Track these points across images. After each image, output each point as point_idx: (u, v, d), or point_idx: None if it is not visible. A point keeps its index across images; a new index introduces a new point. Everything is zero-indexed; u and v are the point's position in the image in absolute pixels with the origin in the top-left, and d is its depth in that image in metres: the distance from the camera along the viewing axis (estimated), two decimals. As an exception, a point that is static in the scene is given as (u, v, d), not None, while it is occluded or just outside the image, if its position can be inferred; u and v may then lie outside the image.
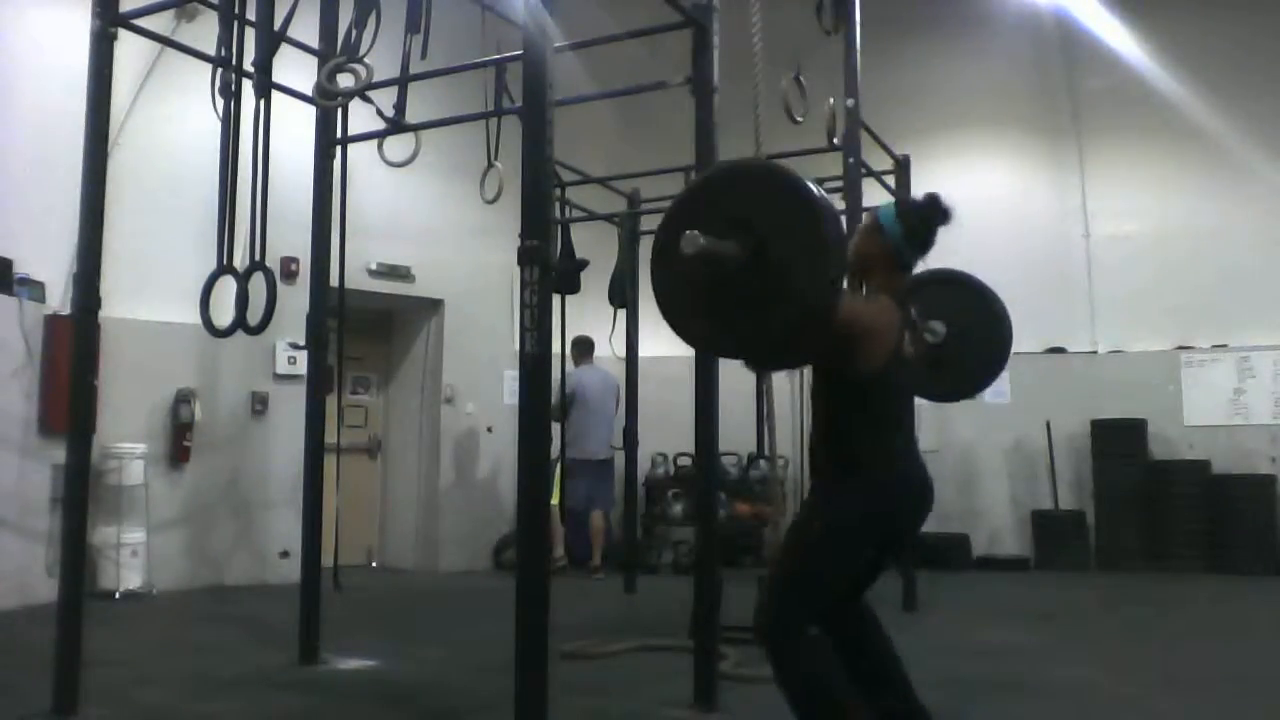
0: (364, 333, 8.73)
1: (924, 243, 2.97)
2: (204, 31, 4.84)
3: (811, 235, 2.52)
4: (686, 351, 4.17)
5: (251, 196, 4.19)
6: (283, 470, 7.19)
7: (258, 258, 4.19)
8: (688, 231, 2.49)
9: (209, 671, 4.59)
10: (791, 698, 2.78)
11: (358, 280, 7.44)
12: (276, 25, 4.13)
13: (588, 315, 7.83)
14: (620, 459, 8.03)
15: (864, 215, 4.95)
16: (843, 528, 2.87)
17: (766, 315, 2.56)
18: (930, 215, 2.96)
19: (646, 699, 4.10)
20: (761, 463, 8.58)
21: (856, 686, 2.84)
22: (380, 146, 4.79)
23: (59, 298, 6.53)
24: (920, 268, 3.09)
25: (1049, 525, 8.85)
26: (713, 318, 2.69)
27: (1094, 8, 8.90)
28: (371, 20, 4.07)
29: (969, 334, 3.89)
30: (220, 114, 4.20)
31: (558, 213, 6.47)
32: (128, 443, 6.76)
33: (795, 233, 2.53)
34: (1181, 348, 8.91)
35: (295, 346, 7.10)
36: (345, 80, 4.00)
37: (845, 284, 2.76)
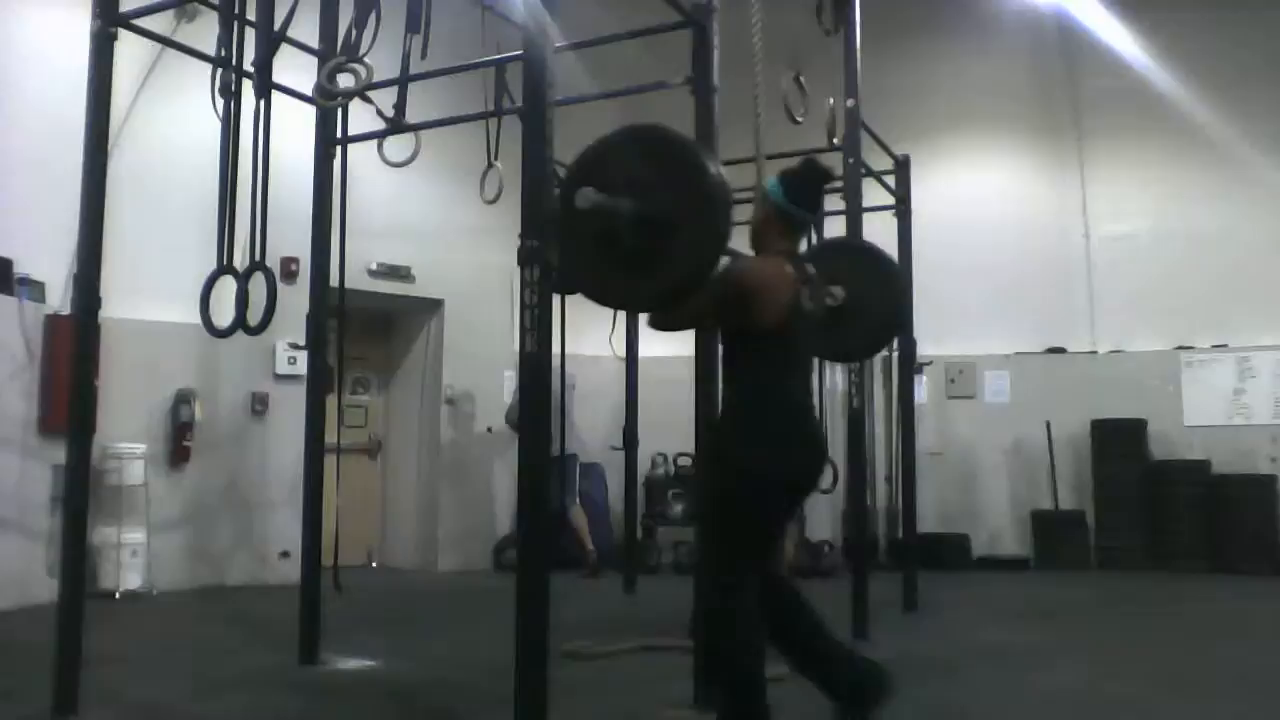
0: (364, 333, 8.73)
1: (808, 202, 3.28)
2: (204, 31, 4.84)
3: (700, 200, 2.70)
4: (687, 351, 4.18)
5: (251, 196, 4.19)
6: (283, 470, 7.19)
7: (258, 258, 4.19)
8: (582, 188, 2.66)
9: (209, 671, 4.59)
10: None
11: (358, 280, 7.44)
12: (276, 25, 4.13)
13: (588, 315, 7.82)
14: (619, 458, 8.02)
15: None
16: (751, 487, 3.08)
17: (652, 273, 2.73)
18: (808, 175, 3.26)
19: (646, 699, 4.10)
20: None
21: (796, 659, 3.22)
22: (380, 146, 4.79)
23: (59, 298, 6.53)
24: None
25: (1049, 525, 8.85)
26: (602, 271, 2.86)
27: (1094, 8, 8.90)
28: (371, 20, 4.07)
29: (866, 298, 4.10)
30: (220, 114, 4.20)
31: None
32: (128, 443, 6.76)
33: (686, 197, 2.70)
34: (1181, 348, 8.91)
35: (295, 346, 7.10)
36: (345, 80, 4.00)
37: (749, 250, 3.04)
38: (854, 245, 4.31)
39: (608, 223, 2.70)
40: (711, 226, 2.73)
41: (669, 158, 2.77)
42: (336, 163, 4.84)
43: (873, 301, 4.08)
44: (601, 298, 3.00)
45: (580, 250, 2.84)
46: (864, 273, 4.13)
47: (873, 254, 4.26)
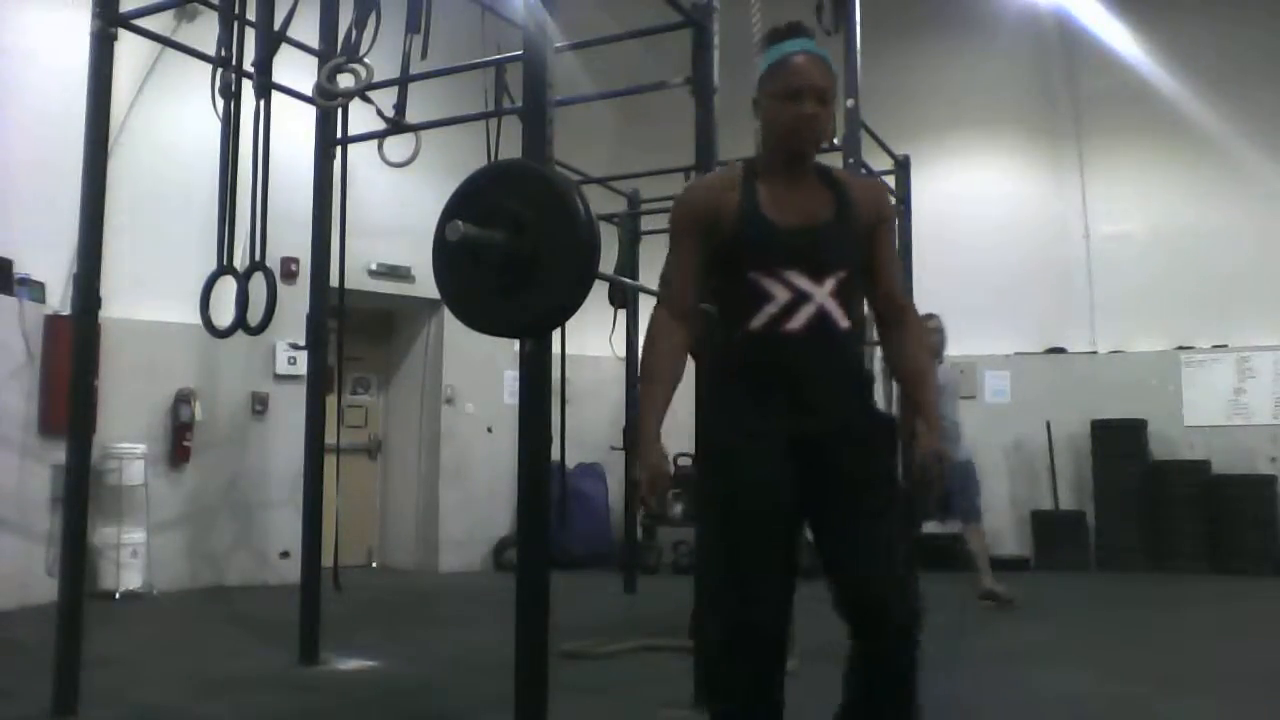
0: (364, 333, 8.73)
1: None
2: (204, 31, 4.84)
3: (568, 236, 2.75)
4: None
5: (251, 196, 4.20)
6: (283, 470, 7.19)
7: (258, 258, 4.20)
8: (453, 220, 2.71)
9: (209, 671, 4.59)
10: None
11: (358, 280, 7.44)
12: (276, 25, 4.13)
13: (588, 315, 7.82)
14: (619, 458, 8.03)
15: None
16: None
17: (518, 301, 2.82)
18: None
19: (646, 699, 4.10)
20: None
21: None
22: (380, 146, 4.79)
23: (59, 298, 6.54)
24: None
25: (1049, 525, 8.84)
26: (471, 298, 2.92)
27: (1094, 8, 8.90)
28: (371, 20, 4.07)
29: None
30: (220, 114, 4.21)
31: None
32: (128, 443, 6.76)
33: (554, 230, 2.76)
34: (1181, 348, 8.90)
35: (295, 346, 7.09)
36: (345, 80, 4.01)
37: None
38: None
39: (479, 252, 2.78)
40: (576, 268, 2.80)
41: (545, 197, 2.82)
42: (336, 163, 4.84)
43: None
44: (466, 319, 3.03)
45: (453, 273, 2.91)
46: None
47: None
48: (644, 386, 2.37)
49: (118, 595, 6.56)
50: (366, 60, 4.00)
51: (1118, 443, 8.68)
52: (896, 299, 2.39)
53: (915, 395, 2.34)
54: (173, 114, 6.83)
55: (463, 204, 2.84)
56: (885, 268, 2.39)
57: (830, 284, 2.24)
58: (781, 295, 2.23)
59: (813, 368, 2.25)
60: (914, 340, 2.38)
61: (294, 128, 4.72)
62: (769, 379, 2.25)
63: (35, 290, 6.49)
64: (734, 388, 2.31)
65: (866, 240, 2.34)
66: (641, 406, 2.38)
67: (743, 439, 2.26)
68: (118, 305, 5.55)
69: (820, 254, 2.25)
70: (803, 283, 2.23)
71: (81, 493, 3.89)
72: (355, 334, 7.98)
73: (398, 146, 4.76)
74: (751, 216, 2.26)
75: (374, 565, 8.81)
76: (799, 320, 2.23)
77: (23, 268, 6.42)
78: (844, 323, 2.26)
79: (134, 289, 6.56)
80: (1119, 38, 8.87)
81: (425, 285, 8.66)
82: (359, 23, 4.06)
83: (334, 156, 4.86)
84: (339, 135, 4.85)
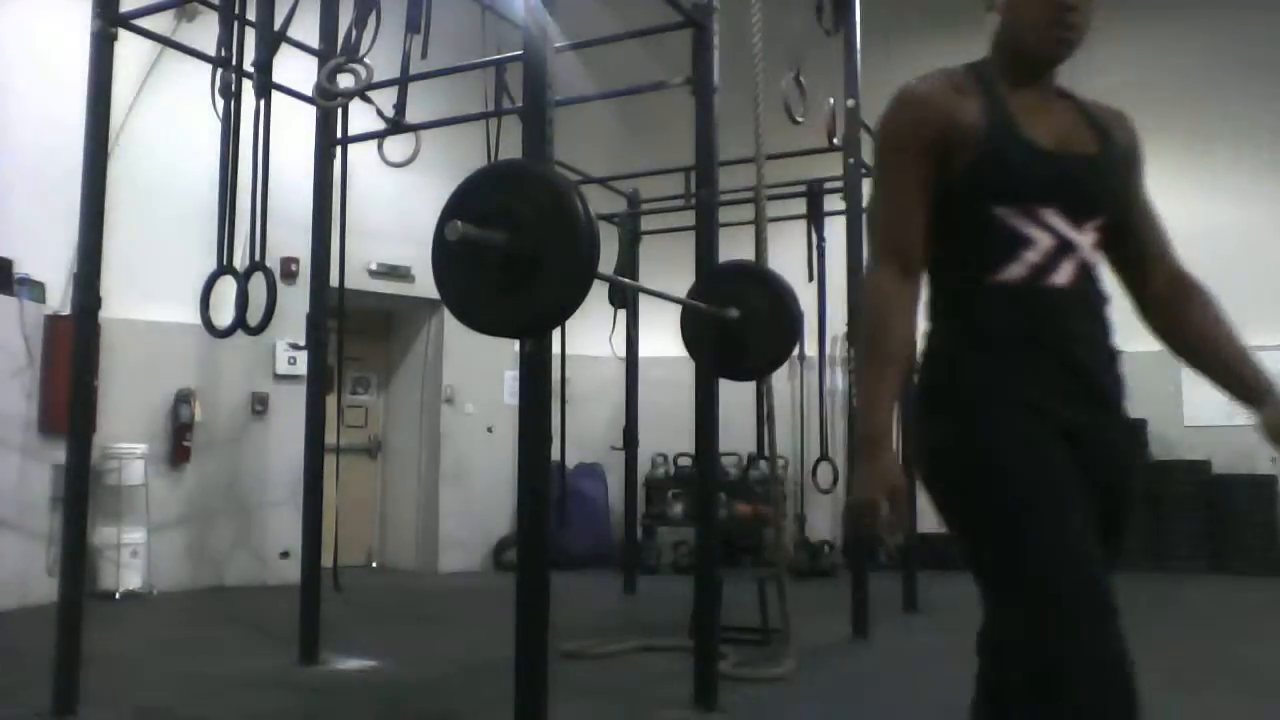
0: (364, 333, 8.73)
1: None
2: (204, 31, 4.84)
3: (569, 236, 2.75)
4: (686, 351, 4.19)
5: (251, 196, 4.20)
6: (283, 470, 7.19)
7: (258, 258, 4.20)
8: (452, 220, 2.71)
9: (209, 671, 4.59)
10: None
11: (358, 280, 7.44)
12: (276, 25, 4.13)
13: (588, 315, 7.82)
14: (619, 458, 8.02)
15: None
16: None
17: (518, 301, 2.81)
18: None
19: (646, 699, 4.11)
20: (761, 463, 8.57)
21: None
22: (380, 146, 4.79)
23: (59, 298, 6.54)
24: None
25: (1049, 525, 8.84)
26: (471, 298, 2.92)
27: (1093, 7, 8.88)
28: (371, 20, 4.07)
29: (761, 318, 4.20)
30: (220, 114, 4.20)
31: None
32: (128, 443, 6.76)
33: (554, 230, 2.77)
34: (1182, 348, 8.90)
35: (295, 346, 7.11)
36: (345, 80, 4.00)
37: None
38: (749, 269, 4.45)
39: (478, 252, 2.79)
40: (576, 268, 2.80)
41: (545, 197, 2.84)
42: (336, 163, 4.85)
43: (768, 322, 4.20)
44: (466, 319, 3.04)
45: (453, 273, 2.92)
46: (757, 294, 4.23)
47: (766, 277, 4.35)
48: (871, 370, 1.70)
49: (118, 595, 6.56)
50: (366, 60, 3.99)
51: (1118, 443, 8.68)
52: (1175, 262, 1.90)
53: (1251, 376, 1.90)
54: (173, 114, 6.83)
55: (463, 204, 2.85)
56: (1155, 223, 1.90)
57: (1091, 233, 1.73)
58: (1043, 240, 1.68)
59: (1089, 340, 1.74)
60: (1221, 312, 1.88)
61: (294, 128, 4.72)
62: (1032, 350, 1.68)
63: (35, 290, 6.49)
64: (983, 359, 1.70)
65: (1124, 185, 1.81)
66: (868, 396, 1.71)
67: (1030, 422, 1.65)
68: (118, 305, 5.56)
69: (1087, 192, 1.72)
70: (1063, 227, 1.69)
71: (81, 493, 3.89)
72: (355, 334, 7.98)
73: (398, 146, 4.76)
74: (1006, 132, 1.69)
75: (374, 565, 8.81)
76: (1064, 275, 1.69)
77: (23, 268, 6.42)
78: (1104, 287, 1.78)
79: (134, 289, 6.57)
80: (1119, 37, 8.86)
81: (425, 285, 8.66)
82: (359, 23, 4.06)
83: (334, 156, 4.86)
84: (339, 135, 4.85)
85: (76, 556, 3.84)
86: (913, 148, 1.70)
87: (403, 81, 4.53)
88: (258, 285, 4.10)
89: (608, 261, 7.51)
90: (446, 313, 8.74)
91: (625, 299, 7.41)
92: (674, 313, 4.38)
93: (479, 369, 8.80)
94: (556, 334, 3.60)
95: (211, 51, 4.21)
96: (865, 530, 1.67)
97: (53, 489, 6.11)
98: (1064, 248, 1.69)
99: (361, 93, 4.13)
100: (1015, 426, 1.64)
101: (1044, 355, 1.68)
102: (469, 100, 5.37)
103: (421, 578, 8.34)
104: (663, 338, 6.15)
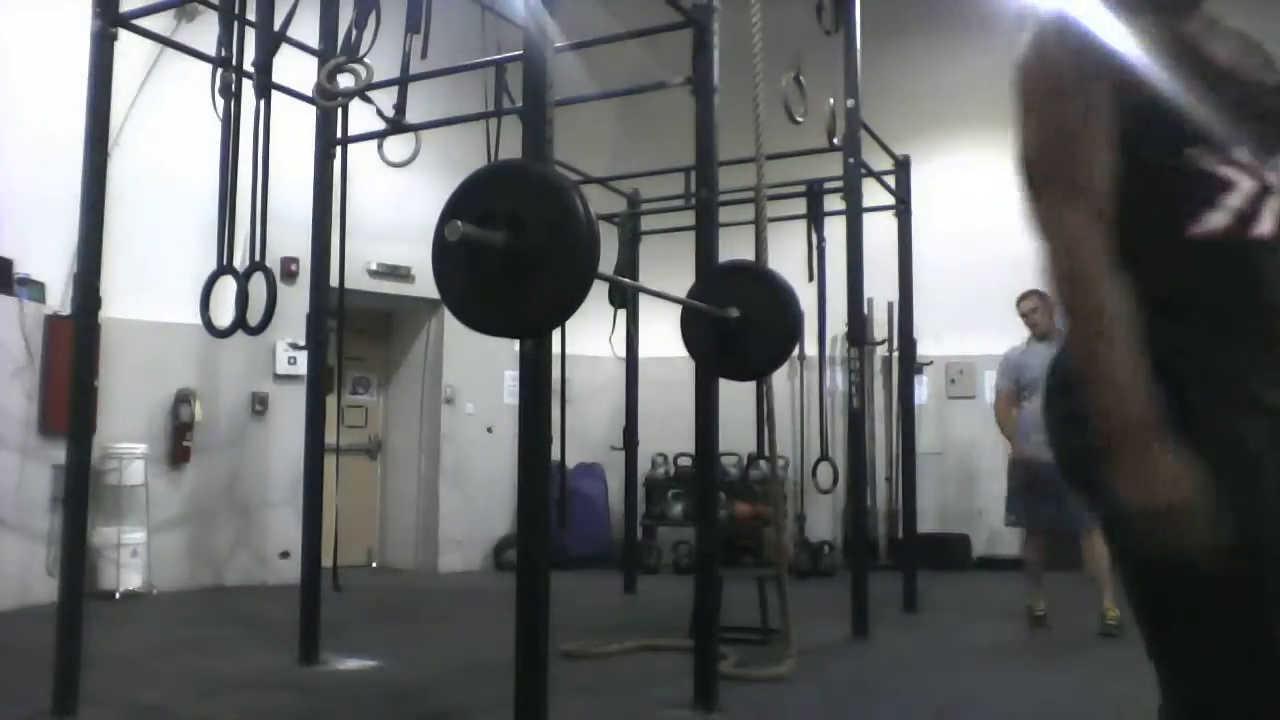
0: (364, 333, 8.73)
1: None
2: (204, 31, 4.84)
3: (569, 235, 2.74)
4: (686, 351, 4.19)
5: (251, 196, 4.20)
6: (283, 470, 7.19)
7: (258, 258, 4.20)
8: (452, 220, 2.70)
9: (209, 671, 4.59)
10: None
11: (358, 280, 7.44)
12: (276, 25, 4.13)
13: (588, 315, 7.82)
14: (619, 458, 8.02)
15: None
16: None
17: (518, 301, 2.80)
18: None
19: (646, 699, 4.11)
20: (761, 463, 8.57)
21: None
22: (380, 146, 4.79)
23: (59, 298, 6.53)
24: None
25: (1049, 525, 8.83)
26: (471, 298, 2.91)
27: (1094, 7, 8.89)
28: (371, 20, 4.07)
29: (763, 318, 4.20)
30: (220, 114, 4.20)
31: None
32: (128, 443, 6.76)
33: (554, 230, 2.76)
34: (1182, 348, 8.89)
35: (295, 346, 7.11)
36: (345, 80, 4.00)
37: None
38: (749, 269, 4.45)
39: (478, 252, 2.78)
40: (576, 268, 2.79)
41: (545, 197, 2.84)
42: (336, 163, 4.85)
43: (768, 322, 4.19)
44: (466, 319, 3.05)
45: (453, 273, 2.91)
46: (757, 294, 4.23)
47: (767, 277, 4.35)
48: (1101, 340, 1.29)
49: (118, 595, 6.56)
50: (366, 60, 3.99)
51: (1118, 443, 8.66)
52: None
53: None
54: (173, 114, 6.83)
55: (463, 204, 2.85)
56: None
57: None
58: (1244, 183, 1.36)
59: None
60: None
61: (294, 128, 4.72)
62: (1244, 318, 1.34)
63: (35, 290, 6.49)
64: (1189, 334, 1.34)
65: None
66: (1107, 370, 1.29)
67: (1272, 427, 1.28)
68: (118, 305, 5.56)
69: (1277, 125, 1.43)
70: (1259, 167, 1.39)
71: (81, 493, 3.89)
72: (355, 334, 7.98)
73: (398, 146, 4.76)
74: (1194, 59, 1.45)
75: (374, 565, 8.81)
76: (1267, 223, 1.37)
77: (23, 268, 6.42)
78: None
79: (134, 289, 6.56)
80: (1119, 37, 8.87)
81: (425, 285, 8.66)
82: (359, 23, 4.06)
83: (334, 156, 4.86)
84: (339, 135, 4.85)
85: (76, 556, 3.84)
86: (1094, 71, 1.48)
87: (403, 81, 4.53)
88: (258, 285, 4.10)
89: (608, 261, 7.51)
90: (446, 313, 8.73)
91: (625, 299, 7.41)
92: (674, 313, 4.38)
93: (479, 369, 8.80)
94: (556, 334, 3.60)
95: (211, 51, 4.21)
96: (1182, 541, 1.23)
97: (53, 489, 6.12)
98: (1265, 191, 1.38)
99: (361, 93, 4.13)
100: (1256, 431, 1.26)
101: (1257, 324, 1.33)
102: (469, 100, 5.37)
103: (421, 578, 8.34)
104: (663, 338, 6.15)
